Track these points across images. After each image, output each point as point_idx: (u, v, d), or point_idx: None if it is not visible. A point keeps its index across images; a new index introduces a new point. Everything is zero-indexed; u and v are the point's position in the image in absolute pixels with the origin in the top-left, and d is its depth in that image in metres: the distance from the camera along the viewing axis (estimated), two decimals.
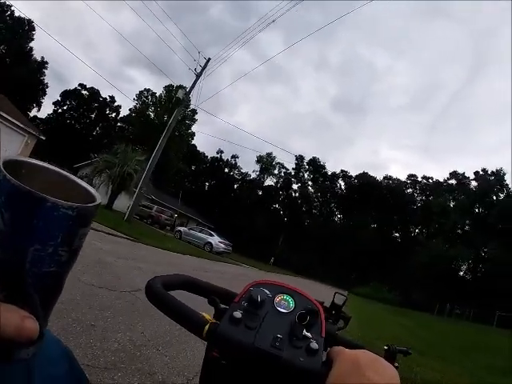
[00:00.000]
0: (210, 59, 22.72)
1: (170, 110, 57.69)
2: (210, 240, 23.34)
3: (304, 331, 0.50)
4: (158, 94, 59.53)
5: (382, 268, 47.41)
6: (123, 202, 25.37)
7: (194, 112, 58.55)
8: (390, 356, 0.58)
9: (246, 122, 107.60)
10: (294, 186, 62.94)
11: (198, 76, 22.58)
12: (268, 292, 0.57)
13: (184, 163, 57.41)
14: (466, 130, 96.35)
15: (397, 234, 56.42)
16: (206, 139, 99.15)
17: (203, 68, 22.54)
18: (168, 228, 29.15)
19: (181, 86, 22.71)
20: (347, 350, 0.44)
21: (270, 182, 64.09)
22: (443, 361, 6.79)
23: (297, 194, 61.96)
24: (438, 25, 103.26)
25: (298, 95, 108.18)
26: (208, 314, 0.55)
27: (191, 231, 24.48)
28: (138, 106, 59.58)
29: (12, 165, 0.32)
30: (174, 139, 55.65)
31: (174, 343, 3.50)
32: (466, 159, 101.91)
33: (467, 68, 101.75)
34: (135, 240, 11.09)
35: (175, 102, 58.30)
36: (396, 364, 0.53)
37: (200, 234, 24.08)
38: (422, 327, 14.66)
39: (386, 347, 0.60)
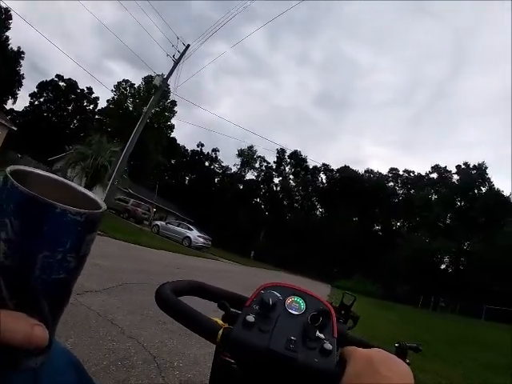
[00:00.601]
0: (189, 45, 21.70)
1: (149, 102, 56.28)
2: (188, 234, 22.38)
3: (317, 332, 0.50)
4: (136, 86, 57.72)
5: (365, 261, 47.27)
6: (98, 196, 24.12)
7: (174, 104, 57.12)
8: (401, 353, 0.59)
9: (227, 115, 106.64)
10: (276, 180, 62.50)
11: (177, 62, 21.56)
12: (279, 294, 0.57)
13: (163, 156, 55.97)
14: (447, 126, 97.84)
15: (378, 227, 56.39)
16: (186, 132, 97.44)
17: (182, 54, 21.51)
18: (146, 222, 28.08)
19: (158, 75, 21.47)
20: (360, 349, 0.45)
21: (251, 175, 63.48)
22: (444, 362, 6.26)
23: (278, 188, 61.39)
24: (421, 22, 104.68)
25: (281, 90, 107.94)
26: (217, 318, 0.57)
27: (169, 225, 23.41)
28: (116, 97, 57.61)
29: (18, 174, 0.32)
30: (153, 131, 54.24)
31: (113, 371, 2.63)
32: (448, 154, 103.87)
33: (449, 65, 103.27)
34: (102, 234, 10.07)
35: (153, 90, 57.06)
36: (407, 361, 0.53)
37: (178, 229, 23.05)
38: (411, 322, 14.13)
39: (396, 344, 0.61)
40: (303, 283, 26.61)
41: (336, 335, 0.51)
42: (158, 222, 24.46)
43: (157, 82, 22.11)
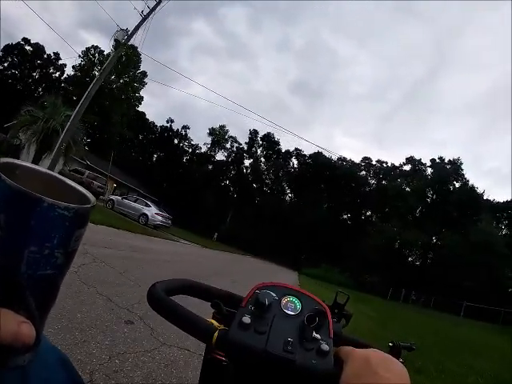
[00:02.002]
0: (160, 1, 19.33)
1: (118, 70, 52.61)
2: (145, 211, 20.32)
3: (313, 333, 0.50)
4: (106, 53, 53.53)
5: (333, 249, 46.61)
6: (49, 167, 21.62)
7: (144, 74, 53.71)
8: (395, 353, 0.59)
9: (201, 94, 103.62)
10: (246, 163, 60.79)
11: (145, 18, 19.21)
12: (274, 294, 0.57)
13: (129, 130, 52.76)
14: (421, 124, 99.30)
15: (348, 216, 55.75)
16: (159, 110, 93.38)
17: (152, 9, 19.16)
18: (102, 197, 25.72)
19: (122, 29, 18.97)
20: (357, 349, 0.45)
21: (221, 156, 61.48)
22: (446, 375, 4.98)
23: (248, 171, 59.67)
24: (404, 21, 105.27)
25: (257, 74, 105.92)
26: (209, 317, 0.56)
27: (125, 201, 21.13)
28: (83, 63, 53.37)
29: (6, 167, 0.32)
30: (121, 103, 50.87)
31: None
32: (421, 152, 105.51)
33: (426, 64, 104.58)
34: None
35: (125, 61, 53.36)
36: (401, 360, 0.53)
37: (134, 204, 20.89)
38: (391, 319, 12.78)
39: (390, 344, 0.62)
40: (269, 269, 25.36)
41: (332, 335, 0.51)
42: (114, 197, 22.17)
43: (119, 37, 19.63)
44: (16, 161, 0.34)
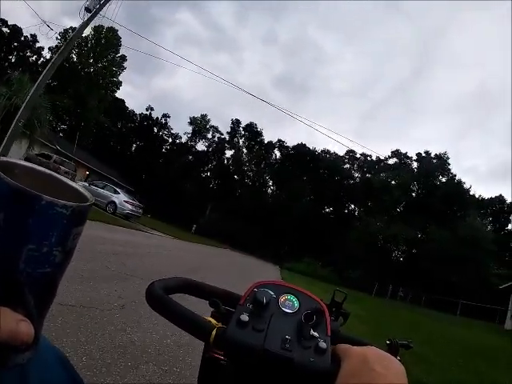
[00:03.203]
0: None
1: (97, 54, 50.25)
2: (113, 199, 18.69)
3: (311, 331, 0.51)
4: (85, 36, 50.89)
5: (316, 243, 45.32)
6: (12, 148, 19.72)
7: (123, 59, 51.43)
8: (393, 350, 0.60)
9: (183, 85, 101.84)
10: (228, 154, 59.18)
11: None
12: (272, 293, 0.57)
13: (108, 117, 50.47)
14: (403, 121, 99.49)
15: (331, 209, 54.51)
16: (137, 99, 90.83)
17: None
18: None
19: None
20: (354, 347, 0.45)
21: (202, 146, 59.79)
22: None
23: (230, 162, 58.04)
24: (391, 18, 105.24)
25: (242, 67, 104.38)
26: (207, 315, 0.56)
27: (92, 187, 19.29)
28: (59, 45, 50.57)
29: (5, 166, 0.32)
30: (98, 87, 48.55)
31: None
32: (405, 146, 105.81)
33: (411, 62, 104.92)
34: None
35: (104, 45, 50.92)
36: (398, 357, 0.54)
37: (102, 191, 19.16)
38: (382, 318, 11.55)
39: (388, 341, 0.62)
40: (248, 264, 24.08)
41: (329, 333, 0.51)
42: (80, 183, 20.34)
43: (90, 5, 17.83)
44: (15, 160, 0.35)
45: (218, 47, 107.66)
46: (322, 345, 0.47)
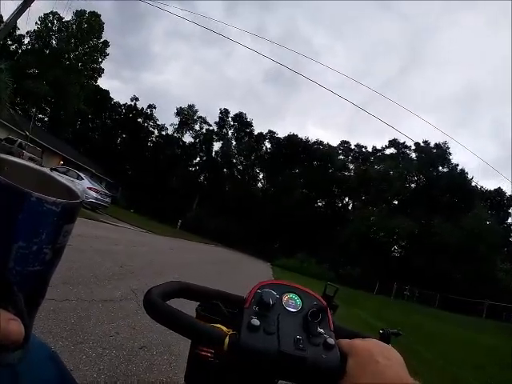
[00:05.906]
0: None
1: (77, 40, 47.61)
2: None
3: (318, 328, 0.52)
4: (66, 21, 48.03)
5: (309, 238, 42.64)
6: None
7: (106, 44, 48.66)
8: (385, 339, 0.62)
9: (173, 79, 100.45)
10: (216, 146, 56.58)
11: None
12: (275, 293, 0.57)
13: (89, 106, 47.75)
14: (391, 118, 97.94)
15: (325, 202, 51.87)
16: (120, 90, 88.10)
17: None
18: None
19: None
20: (357, 341, 0.48)
21: (189, 138, 57.20)
22: None
23: (218, 155, 55.45)
24: (382, 16, 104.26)
25: (231, 61, 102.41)
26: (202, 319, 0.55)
27: (54, 172, 16.77)
28: (38, 28, 47.74)
29: None
30: (78, 75, 45.77)
31: None
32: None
33: (401, 60, 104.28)
34: None
35: (86, 29, 48.12)
36: (390, 344, 0.55)
37: (64, 177, 16.56)
38: (407, 330, 9.04)
39: (381, 331, 0.64)
40: (239, 260, 21.81)
41: (332, 328, 0.53)
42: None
43: None
44: (5, 156, 0.34)
45: (206, 40, 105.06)
46: (330, 341, 0.48)
